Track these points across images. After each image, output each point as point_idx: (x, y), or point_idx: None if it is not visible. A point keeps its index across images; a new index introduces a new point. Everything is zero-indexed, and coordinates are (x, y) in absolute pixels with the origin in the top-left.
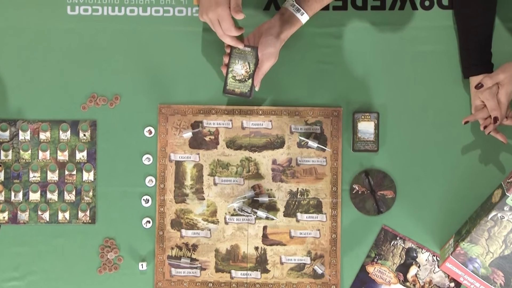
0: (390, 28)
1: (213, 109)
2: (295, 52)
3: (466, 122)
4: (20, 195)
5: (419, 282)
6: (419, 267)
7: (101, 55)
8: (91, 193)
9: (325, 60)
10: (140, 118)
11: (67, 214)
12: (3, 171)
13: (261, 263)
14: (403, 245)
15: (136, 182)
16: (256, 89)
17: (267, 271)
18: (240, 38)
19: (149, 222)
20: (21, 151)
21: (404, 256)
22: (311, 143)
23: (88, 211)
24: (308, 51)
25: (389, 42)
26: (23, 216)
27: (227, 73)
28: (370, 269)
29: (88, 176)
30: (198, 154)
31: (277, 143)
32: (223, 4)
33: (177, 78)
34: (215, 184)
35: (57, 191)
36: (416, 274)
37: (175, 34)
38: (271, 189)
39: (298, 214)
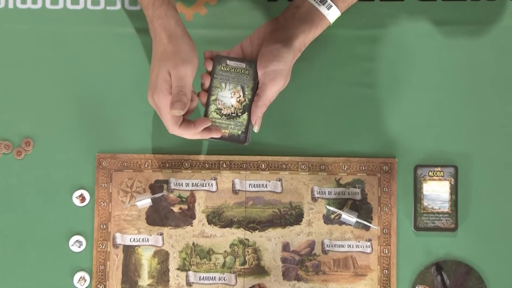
0: (475, 29)
1: (186, 160)
2: (319, 68)
3: None
4: None
5: None
6: None
7: (2, 74)
8: None
9: (368, 81)
10: (67, 175)
11: None
12: None
13: None
14: None
15: (59, 282)
16: (255, 129)
17: None
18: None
19: None
20: None
21: None
22: (346, 216)
23: None
24: (340, 67)
25: (472, 53)
26: None
27: (207, 104)
28: None
29: None
30: (162, 234)
31: (291, 217)
32: (160, 91)
33: (127, 110)
34: (189, 284)
35: None
36: None
37: (125, 38)
38: None
39: None
